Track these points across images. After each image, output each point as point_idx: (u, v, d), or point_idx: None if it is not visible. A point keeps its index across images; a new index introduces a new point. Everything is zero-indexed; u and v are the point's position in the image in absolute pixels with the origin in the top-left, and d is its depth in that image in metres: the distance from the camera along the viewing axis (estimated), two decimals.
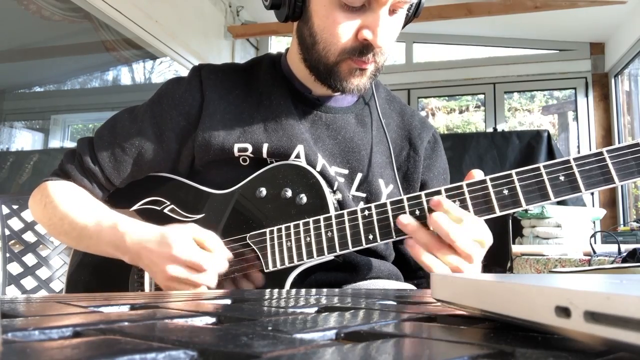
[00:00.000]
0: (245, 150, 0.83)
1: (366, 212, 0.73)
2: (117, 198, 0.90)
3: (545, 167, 0.68)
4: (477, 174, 0.71)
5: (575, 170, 0.67)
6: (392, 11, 0.77)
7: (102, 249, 0.78)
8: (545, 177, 0.67)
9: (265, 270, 0.76)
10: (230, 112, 0.86)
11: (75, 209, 0.81)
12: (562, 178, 0.67)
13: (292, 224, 0.76)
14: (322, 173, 0.82)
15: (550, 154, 3.13)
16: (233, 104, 0.87)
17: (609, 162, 0.66)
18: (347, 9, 0.75)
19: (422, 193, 0.71)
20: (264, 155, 0.83)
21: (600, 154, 0.67)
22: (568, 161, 0.67)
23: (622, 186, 3.52)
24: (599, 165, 0.66)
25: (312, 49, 0.81)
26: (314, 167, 0.82)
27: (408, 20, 0.87)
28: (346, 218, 0.73)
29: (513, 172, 0.69)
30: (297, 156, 0.83)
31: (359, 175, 0.87)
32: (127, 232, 0.75)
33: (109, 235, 0.76)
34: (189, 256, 0.70)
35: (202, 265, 0.70)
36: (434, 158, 0.94)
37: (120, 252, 0.76)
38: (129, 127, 0.87)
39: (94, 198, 0.86)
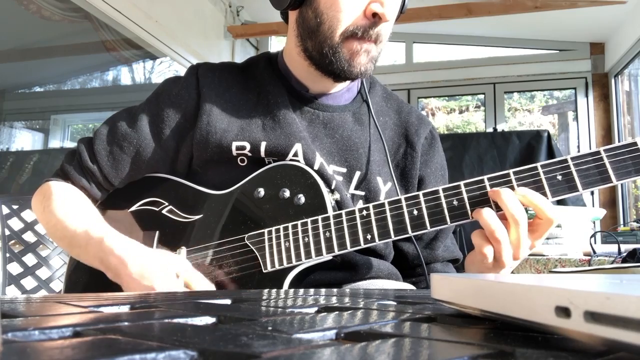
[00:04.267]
0: (243, 148, 0.84)
1: (364, 212, 0.73)
2: (116, 199, 0.90)
3: (542, 166, 0.68)
4: None
5: (573, 169, 0.67)
6: None
7: (89, 260, 0.78)
8: (542, 177, 0.68)
9: (264, 271, 0.76)
10: (227, 110, 0.86)
11: (68, 217, 0.81)
12: (559, 177, 0.67)
13: (290, 225, 0.76)
14: (320, 171, 0.82)
15: (550, 154, 3.13)
16: (230, 102, 0.87)
17: (606, 161, 0.66)
18: None
19: (420, 193, 0.71)
20: (262, 154, 0.83)
21: (598, 153, 0.67)
22: (565, 160, 0.67)
23: (622, 186, 3.52)
24: (597, 165, 0.66)
25: (317, 31, 0.81)
26: (312, 166, 0.82)
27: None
28: (344, 218, 0.73)
29: (511, 171, 0.69)
30: (295, 154, 0.83)
31: (357, 174, 0.87)
32: (112, 249, 0.74)
33: (95, 249, 0.76)
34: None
35: None
36: (432, 154, 0.94)
37: (104, 266, 0.75)
38: (127, 126, 0.88)
39: (89, 204, 0.85)
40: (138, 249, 0.74)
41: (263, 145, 0.83)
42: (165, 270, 0.71)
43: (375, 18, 0.77)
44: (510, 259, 0.68)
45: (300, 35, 0.85)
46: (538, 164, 0.68)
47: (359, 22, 0.78)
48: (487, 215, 0.67)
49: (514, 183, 0.68)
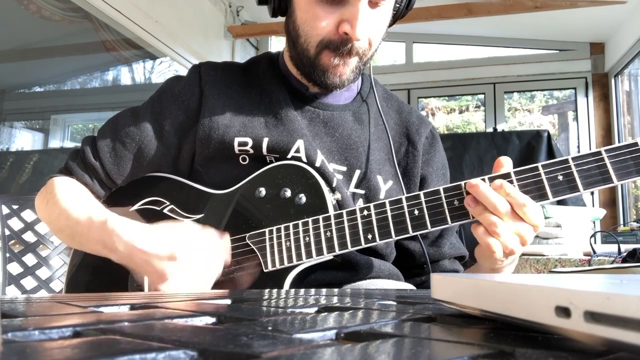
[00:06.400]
0: (246, 144, 0.84)
1: (365, 212, 0.73)
2: (117, 198, 0.90)
3: (543, 166, 0.68)
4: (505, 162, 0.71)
5: (574, 169, 0.67)
6: (374, 4, 0.78)
7: (91, 246, 0.76)
8: (543, 177, 0.67)
9: (265, 270, 0.76)
10: (230, 106, 0.87)
11: (71, 205, 0.80)
12: (560, 178, 0.67)
13: (291, 224, 0.76)
14: (321, 169, 0.83)
15: (550, 154, 3.13)
16: (233, 99, 0.88)
17: (607, 161, 0.66)
18: (327, 3, 0.77)
19: (421, 193, 0.71)
20: (264, 151, 0.83)
21: (599, 153, 0.67)
22: (566, 161, 0.67)
23: (622, 186, 3.52)
24: (598, 165, 0.66)
25: (297, 43, 0.83)
26: (314, 163, 0.83)
27: (400, 15, 0.87)
28: (345, 218, 0.73)
29: (511, 171, 0.69)
30: (297, 151, 0.83)
31: (358, 172, 0.87)
32: (115, 230, 0.71)
33: (97, 232, 0.73)
34: (193, 265, 0.69)
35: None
36: (433, 153, 0.95)
37: (108, 249, 0.72)
38: (130, 123, 0.88)
39: (91, 195, 0.85)
40: (143, 227, 0.71)
41: (265, 141, 0.83)
42: (183, 242, 0.68)
43: (348, 36, 0.78)
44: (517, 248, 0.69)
45: (287, 42, 0.88)
46: (539, 164, 0.68)
47: (332, 37, 0.79)
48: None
49: (515, 183, 0.68)
